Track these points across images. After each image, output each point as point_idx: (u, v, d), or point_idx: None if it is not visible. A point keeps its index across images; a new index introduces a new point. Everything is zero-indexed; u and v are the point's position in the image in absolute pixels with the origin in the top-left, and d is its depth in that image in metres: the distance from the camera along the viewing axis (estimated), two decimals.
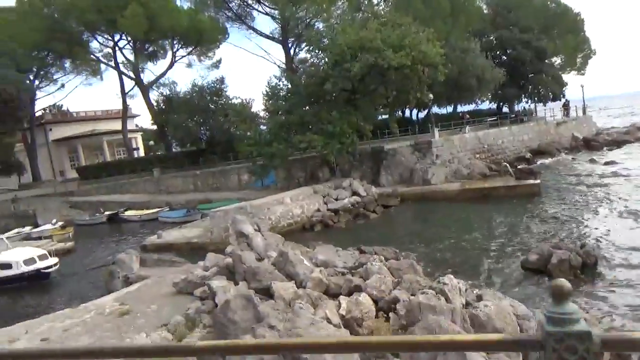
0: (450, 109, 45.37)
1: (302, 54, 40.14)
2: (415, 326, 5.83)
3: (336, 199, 24.54)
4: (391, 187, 28.78)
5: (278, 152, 24.93)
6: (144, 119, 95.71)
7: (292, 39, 40.74)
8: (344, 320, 7.40)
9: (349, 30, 25.80)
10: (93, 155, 59.62)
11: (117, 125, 59.02)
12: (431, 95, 31.26)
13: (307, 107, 27.39)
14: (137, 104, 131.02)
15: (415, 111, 44.05)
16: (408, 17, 26.65)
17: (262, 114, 35.22)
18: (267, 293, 9.79)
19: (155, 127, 50.27)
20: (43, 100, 61.85)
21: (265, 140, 25.82)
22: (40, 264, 18.60)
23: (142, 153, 60.87)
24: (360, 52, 24.61)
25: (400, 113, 41.75)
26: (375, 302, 8.29)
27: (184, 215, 30.24)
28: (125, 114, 51.40)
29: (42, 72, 53.28)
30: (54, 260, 19.28)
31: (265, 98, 37.09)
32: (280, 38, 39.15)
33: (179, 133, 39.01)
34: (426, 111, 44.67)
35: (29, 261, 18.59)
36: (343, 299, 8.24)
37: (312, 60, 28.01)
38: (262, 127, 28.76)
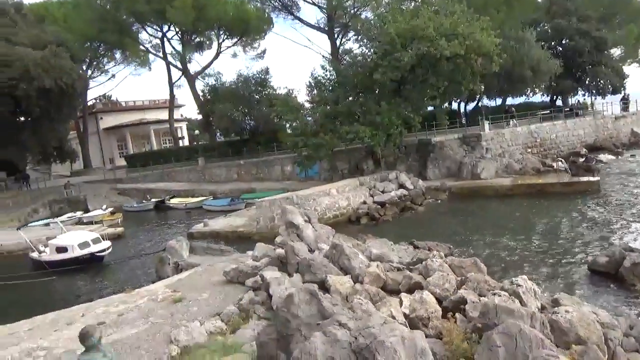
0: (499, 101, 43.74)
1: (349, 44, 39.69)
2: (494, 331, 5.36)
3: (382, 192, 24.03)
4: (439, 180, 28.01)
5: (324, 143, 24.60)
6: (189, 109, 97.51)
7: (338, 29, 40.18)
8: (408, 320, 7.02)
9: (399, 18, 25.06)
10: (140, 144, 61.26)
11: (163, 114, 60.40)
12: (482, 87, 30.14)
13: (354, 98, 26.87)
14: (182, 94, 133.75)
15: (462, 103, 42.71)
16: (461, 5, 25.62)
17: (305, 104, 35.08)
18: (321, 287, 9.50)
19: (200, 116, 51.05)
20: (95, 90, 63.77)
21: (311, 130, 25.53)
22: (93, 248, 19.10)
23: (186, 142, 62.11)
24: (412, 42, 23.86)
25: (446, 105, 40.59)
26: (439, 301, 7.85)
27: (228, 204, 30.48)
28: (172, 104, 52.44)
29: (94, 63, 55.11)
30: (106, 244, 19.77)
31: (309, 89, 36.88)
32: (326, 28, 38.67)
33: (223, 123, 39.32)
34: (474, 103, 43.27)
35: (84, 245, 19.12)
36: (405, 297, 7.84)
37: (360, 49, 27.44)
38: (307, 118, 28.43)
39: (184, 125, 65.15)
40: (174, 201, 35.62)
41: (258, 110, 38.64)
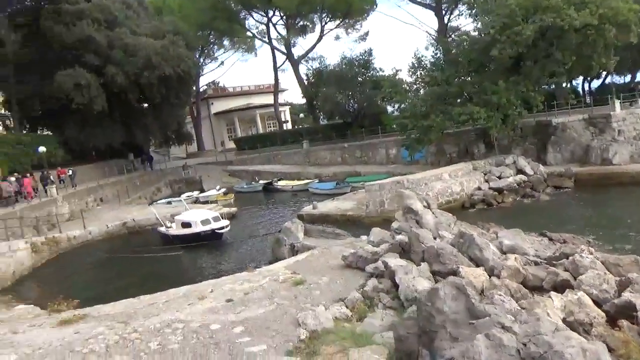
0: (628, 78, 38.86)
1: (458, 21, 37.56)
2: None
3: (499, 177, 22.47)
4: (561, 166, 25.55)
5: (434, 125, 23.53)
6: (292, 93, 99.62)
7: (446, 5, 38.12)
8: (566, 323, 6.25)
9: None
10: (247, 128, 64.14)
11: (267, 99, 62.54)
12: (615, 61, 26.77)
13: (466, 77, 25.30)
14: (286, 79, 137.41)
15: (585, 81, 38.57)
16: None
17: (408, 86, 33.89)
18: (449, 277, 8.98)
19: (303, 100, 51.96)
20: (206, 77, 67.73)
21: (420, 112, 24.55)
22: (214, 225, 20.26)
23: (289, 126, 63.81)
24: (534, 13, 21.74)
25: (566, 84, 36.88)
26: (597, 304, 6.94)
27: (334, 188, 30.67)
28: (276, 88, 53.94)
29: (205, 51, 58.39)
30: (225, 222, 20.86)
31: (411, 70, 35.48)
32: (434, 4, 36.85)
33: (327, 106, 39.53)
34: (601, 80, 38.88)
35: (205, 222, 20.36)
36: (556, 296, 7.04)
37: (475, 24, 25.64)
38: (416, 99, 27.37)
39: (287, 109, 66.94)
40: (281, 183, 36.72)
41: (362, 92, 38.21)
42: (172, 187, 43.59)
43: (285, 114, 64.46)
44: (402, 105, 26.95)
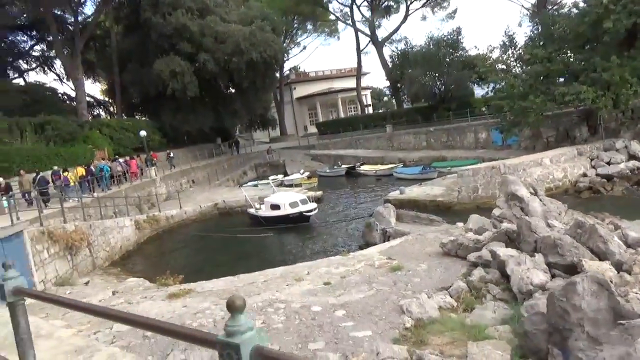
0: None
1: None
2: None
3: (608, 163, 20.50)
4: None
5: (535, 106, 21.83)
6: (373, 77, 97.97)
7: None
8: None
9: None
10: (328, 112, 64.27)
11: (348, 83, 62.11)
12: None
13: (572, 53, 23.16)
14: (367, 62, 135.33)
15: None
16: None
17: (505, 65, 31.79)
18: (567, 270, 8.23)
19: (384, 84, 51.02)
20: (288, 62, 68.53)
21: (519, 93, 22.88)
22: (302, 208, 20.48)
23: (371, 110, 63.04)
24: None
25: None
26: None
27: (420, 173, 29.78)
28: (359, 72, 53.35)
29: (289, 36, 59.03)
30: (313, 205, 21.02)
31: (502, 49, 33.18)
32: None
33: (413, 88, 38.31)
34: None
35: (293, 204, 20.65)
36: None
37: None
38: (514, 78, 25.55)
39: (368, 93, 66.14)
40: (365, 168, 36.39)
41: (449, 74, 36.58)
42: (257, 171, 44.95)
43: (367, 98, 63.73)
44: (498, 86, 25.23)
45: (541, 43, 24.25)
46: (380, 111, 57.88)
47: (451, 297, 8.86)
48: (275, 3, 46.88)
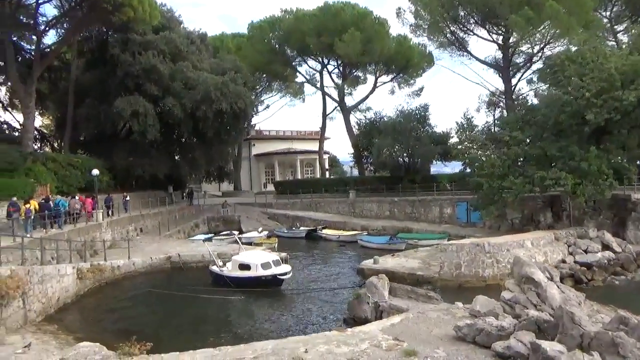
0: None
1: (522, 84, 36.67)
2: None
3: (585, 251, 20.49)
4: None
5: (514, 187, 21.92)
6: (330, 143, 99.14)
7: (518, 65, 37.38)
8: None
9: (610, 54, 21.89)
10: (286, 172, 63.45)
11: (307, 145, 62.26)
12: None
13: (549, 140, 23.82)
14: (328, 128, 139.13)
15: None
16: None
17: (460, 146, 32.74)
18: None
19: (344, 150, 51.17)
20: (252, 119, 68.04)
21: (498, 172, 23.03)
22: (275, 270, 18.64)
23: (327, 175, 62.88)
24: (632, 81, 20.48)
25: None
26: None
27: (387, 243, 28.93)
28: (323, 134, 53.50)
29: (254, 93, 58.80)
30: (287, 267, 19.22)
31: (460, 130, 34.17)
32: (501, 65, 36.13)
33: (381, 157, 38.30)
34: None
35: (266, 265, 18.78)
36: None
37: (555, 88, 24.37)
38: (483, 158, 25.99)
39: (326, 158, 66.33)
40: (327, 232, 35.13)
41: (418, 147, 37.08)
42: (209, 224, 42.40)
43: (325, 163, 63.78)
44: (477, 163, 25.42)
45: (518, 127, 24.92)
46: (345, 176, 57.64)
47: None
48: (247, 59, 46.77)
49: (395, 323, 11.75)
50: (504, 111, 37.68)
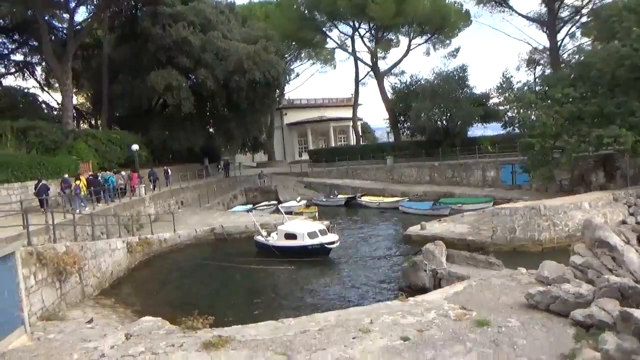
0: None
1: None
2: None
3: None
4: None
5: (569, 146, 20.73)
6: (362, 109, 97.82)
7: (563, 19, 35.10)
8: None
9: None
10: (319, 140, 62.90)
11: (339, 113, 61.27)
12: None
13: (607, 96, 22.24)
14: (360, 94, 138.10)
15: None
16: None
17: (506, 106, 31.20)
18: None
19: (372, 117, 50.05)
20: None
21: (550, 132, 21.79)
22: (323, 239, 18.38)
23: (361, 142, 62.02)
24: None
25: None
26: None
27: (430, 208, 28.29)
28: (356, 101, 52.38)
29: (285, 62, 57.86)
30: (334, 236, 18.92)
31: (499, 91, 32.60)
32: (546, 19, 33.93)
33: (419, 121, 37.08)
34: None
35: (313, 234, 18.54)
36: None
37: (603, 42, 22.57)
38: (533, 117, 24.63)
39: (359, 124, 65.30)
40: (366, 199, 34.65)
41: (458, 109, 35.69)
42: (246, 195, 42.64)
43: (359, 129, 62.86)
44: (529, 123, 24.11)
45: (569, 84, 23.37)
46: (380, 142, 56.66)
47: None
48: (276, 27, 45.71)
49: (459, 291, 11.29)
50: (545, 69, 35.66)
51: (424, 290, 12.89)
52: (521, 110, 24.62)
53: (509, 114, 25.19)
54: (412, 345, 8.10)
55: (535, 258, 17.17)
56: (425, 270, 13.16)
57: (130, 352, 8.25)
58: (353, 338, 8.62)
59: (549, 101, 23.48)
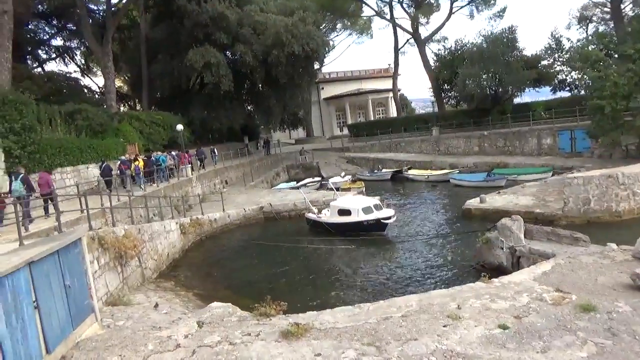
0: None
1: None
2: None
3: None
4: None
5: None
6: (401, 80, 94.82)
7: None
8: None
9: None
10: (356, 114, 61.50)
11: (377, 84, 59.38)
12: None
13: None
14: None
15: None
16: None
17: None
18: None
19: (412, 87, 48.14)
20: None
21: (622, 92, 19.97)
22: (378, 214, 17.56)
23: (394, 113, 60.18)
24: None
25: None
26: None
27: (484, 180, 26.91)
28: (396, 71, 50.58)
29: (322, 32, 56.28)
30: (390, 211, 18.05)
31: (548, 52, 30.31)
32: None
33: (467, 89, 35.15)
34: None
35: (367, 210, 17.75)
36: None
37: None
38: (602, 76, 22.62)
39: (398, 95, 63.36)
40: (413, 172, 33.51)
41: (509, 73, 33.57)
42: (289, 172, 42.20)
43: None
44: (597, 83, 22.25)
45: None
46: (422, 112, 54.89)
47: None
48: None
49: (547, 271, 10.30)
50: (599, 26, 33.01)
51: (501, 269, 11.98)
52: (587, 70, 22.62)
53: (561, 76, 23.17)
54: (514, 335, 7.27)
55: (614, 231, 15.87)
56: (502, 248, 12.18)
57: (206, 342, 7.80)
58: (444, 326, 7.86)
59: (615, 56, 21.46)
